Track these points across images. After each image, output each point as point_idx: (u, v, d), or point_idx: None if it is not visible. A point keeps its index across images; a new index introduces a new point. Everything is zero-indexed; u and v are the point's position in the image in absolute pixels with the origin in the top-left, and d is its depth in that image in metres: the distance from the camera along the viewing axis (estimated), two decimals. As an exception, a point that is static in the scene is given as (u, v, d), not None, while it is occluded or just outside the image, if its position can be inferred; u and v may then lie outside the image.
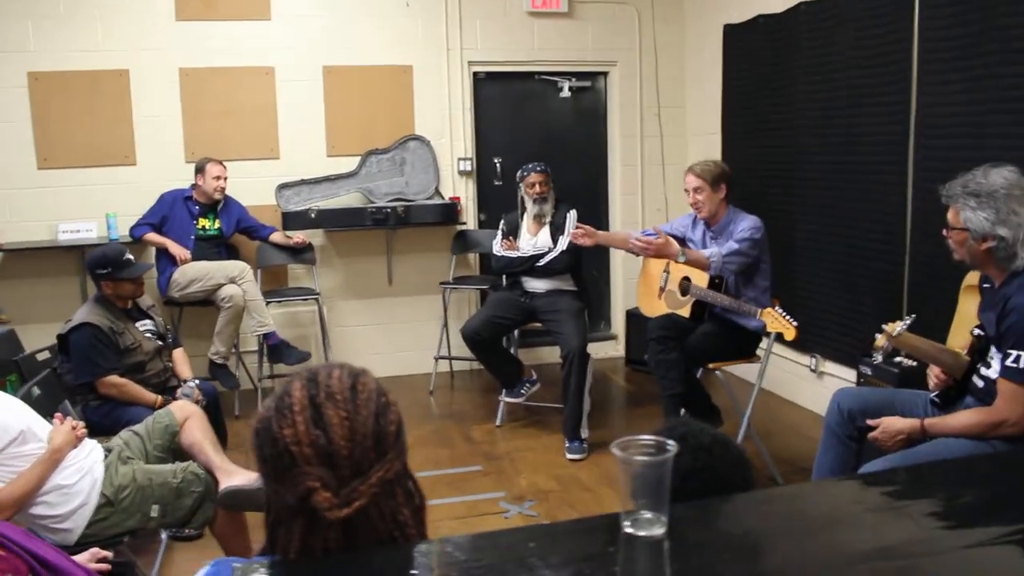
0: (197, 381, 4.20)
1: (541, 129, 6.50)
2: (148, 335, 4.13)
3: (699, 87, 6.41)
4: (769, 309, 3.82)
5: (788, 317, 3.76)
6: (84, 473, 3.00)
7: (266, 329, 5.33)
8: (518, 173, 5.09)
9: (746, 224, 4.16)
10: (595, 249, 4.93)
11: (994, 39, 3.82)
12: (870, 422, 2.98)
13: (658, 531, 1.30)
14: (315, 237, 5.89)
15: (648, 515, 1.31)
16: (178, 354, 4.32)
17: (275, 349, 5.35)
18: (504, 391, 5.23)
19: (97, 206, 5.59)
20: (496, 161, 6.42)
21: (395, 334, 6.24)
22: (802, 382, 5.38)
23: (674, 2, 6.52)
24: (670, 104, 6.58)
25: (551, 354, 6.30)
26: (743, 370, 5.29)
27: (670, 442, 1.32)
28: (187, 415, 3.44)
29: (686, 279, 4.29)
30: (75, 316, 3.97)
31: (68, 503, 2.92)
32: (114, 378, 3.87)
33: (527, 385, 5.20)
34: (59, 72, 5.50)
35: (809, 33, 5.07)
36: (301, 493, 1.19)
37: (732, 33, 5.87)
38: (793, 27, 5.21)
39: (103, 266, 3.94)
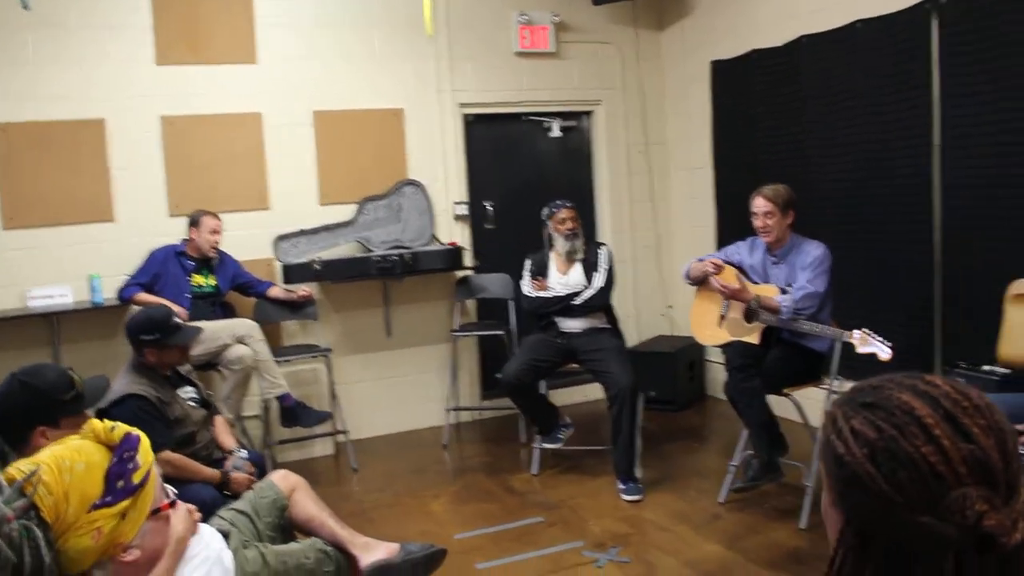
0: (245, 452, 3.82)
1: (530, 170, 6.40)
2: (192, 403, 3.74)
3: (684, 122, 6.48)
4: (859, 331, 3.82)
5: (880, 338, 3.77)
6: (212, 562, 2.61)
7: (280, 391, 4.94)
8: (544, 211, 4.96)
9: (812, 252, 4.13)
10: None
11: (1015, 53, 4.03)
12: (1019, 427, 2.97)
13: None
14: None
15: None
16: (220, 422, 3.93)
17: (290, 411, 4.96)
18: (540, 437, 5.02)
19: (72, 268, 5.08)
20: (487, 205, 6.26)
21: (398, 388, 5.93)
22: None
23: (655, 41, 6.59)
24: (656, 141, 6.61)
25: (573, 396, 6.19)
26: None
27: None
28: (292, 486, 3.08)
29: (755, 309, 4.24)
30: (114, 387, 3.53)
31: (201, 600, 2.53)
32: (168, 454, 3.43)
33: (563, 429, 5.02)
34: (29, 123, 4.99)
35: (813, 64, 5.19)
36: (970, 520, 0.99)
37: (722, 68, 5.97)
38: (794, 59, 5.33)
39: (149, 331, 3.54)
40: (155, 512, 1.71)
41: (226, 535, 2.82)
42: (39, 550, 1.45)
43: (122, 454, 1.64)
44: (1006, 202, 4.17)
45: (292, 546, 2.84)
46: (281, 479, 3.13)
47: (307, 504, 3.03)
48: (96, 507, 1.57)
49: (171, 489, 1.75)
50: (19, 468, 1.56)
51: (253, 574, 2.66)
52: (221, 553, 2.67)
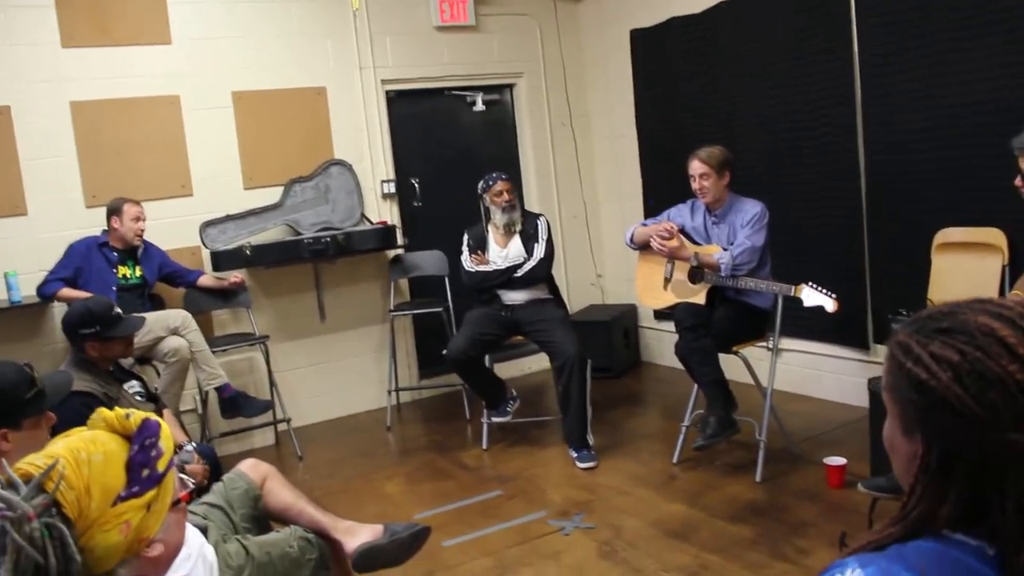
0: (193, 444, 3.67)
1: (455, 145, 6.34)
2: (138, 398, 3.58)
3: (605, 92, 6.51)
4: (803, 285, 3.92)
5: (826, 290, 3.88)
6: (195, 559, 2.51)
7: (219, 381, 4.79)
8: (480, 185, 4.92)
9: (750, 210, 4.23)
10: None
11: (931, 16, 4.18)
12: None
13: None
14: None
15: None
16: (167, 416, 3.77)
17: (231, 402, 4.81)
18: (488, 412, 5.01)
19: (-19, 266, 4.79)
20: (414, 181, 6.17)
21: (335, 373, 5.81)
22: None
23: (572, 12, 6.59)
24: (579, 112, 6.63)
25: (510, 370, 6.20)
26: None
27: None
28: (263, 475, 2.97)
29: (696, 267, 4.31)
30: (54, 385, 3.35)
31: (185, 599, 2.43)
32: (120, 451, 3.29)
33: (511, 402, 5.03)
34: (-76, 113, 4.67)
35: (734, 29, 5.28)
36: None
37: (641, 37, 6.02)
38: (714, 25, 5.42)
39: (89, 324, 3.36)
40: (175, 503, 1.62)
41: (204, 530, 2.70)
42: (66, 549, 1.36)
43: (143, 441, 1.55)
44: (928, 155, 4.34)
45: (273, 536, 2.75)
46: (251, 468, 3.01)
47: (282, 492, 2.93)
48: (122, 499, 1.48)
49: (189, 479, 1.65)
50: (34, 463, 1.46)
51: (238, 567, 2.55)
52: (203, 548, 2.55)
